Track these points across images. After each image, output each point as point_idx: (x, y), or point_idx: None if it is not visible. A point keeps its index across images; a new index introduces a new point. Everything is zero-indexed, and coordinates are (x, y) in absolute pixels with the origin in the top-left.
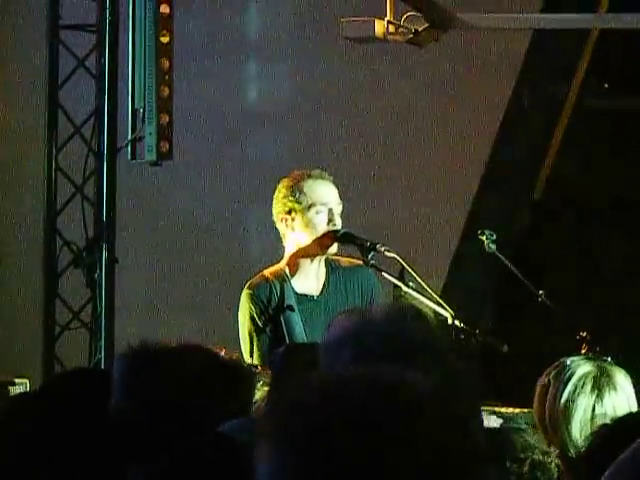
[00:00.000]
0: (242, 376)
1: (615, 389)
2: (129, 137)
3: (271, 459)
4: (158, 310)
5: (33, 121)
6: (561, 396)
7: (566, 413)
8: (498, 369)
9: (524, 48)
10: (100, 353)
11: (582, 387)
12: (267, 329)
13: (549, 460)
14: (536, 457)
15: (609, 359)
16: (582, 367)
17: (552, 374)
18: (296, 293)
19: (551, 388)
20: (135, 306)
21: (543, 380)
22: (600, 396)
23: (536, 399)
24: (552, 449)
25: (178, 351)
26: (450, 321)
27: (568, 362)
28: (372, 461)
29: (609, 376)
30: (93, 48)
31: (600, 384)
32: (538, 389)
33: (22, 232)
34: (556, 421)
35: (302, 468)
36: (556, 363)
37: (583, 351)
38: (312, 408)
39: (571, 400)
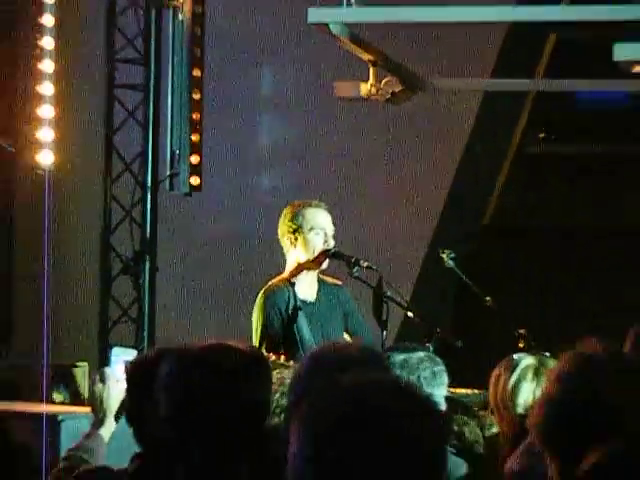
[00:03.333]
0: (267, 365)
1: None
2: (167, 173)
3: (302, 441)
4: (188, 309)
5: (93, 160)
6: (508, 383)
7: (513, 397)
8: (455, 360)
9: (477, 103)
10: (144, 343)
11: (525, 376)
12: (280, 327)
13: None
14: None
15: (547, 354)
16: (525, 360)
17: (502, 366)
18: (301, 299)
19: (501, 377)
20: (171, 306)
21: (496, 372)
22: (539, 383)
23: (490, 387)
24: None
25: (219, 348)
26: (417, 321)
27: (515, 357)
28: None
29: (546, 367)
30: (140, 103)
31: (539, 373)
32: (492, 379)
33: (84, 246)
34: (505, 403)
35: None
36: (506, 358)
37: (521, 344)
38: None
39: (516, 386)
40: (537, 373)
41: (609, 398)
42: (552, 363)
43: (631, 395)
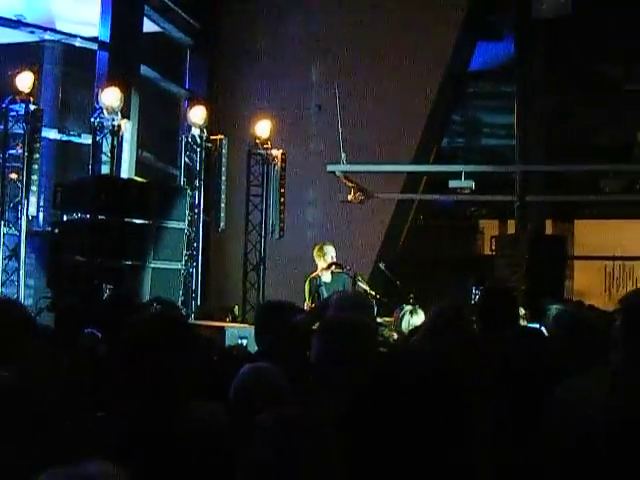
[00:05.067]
0: None
1: (418, 315)
2: (270, 229)
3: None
4: (279, 286)
5: (241, 225)
6: (399, 317)
7: (401, 323)
8: (385, 308)
9: (394, 203)
10: (261, 300)
11: (406, 314)
12: (315, 295)
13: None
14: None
15: (417, 306)
16: (406, 307)
17: (398, 310)
18: (323, 281)
19: (397, 314)
20: (272, 285)
21: (395, 312)
22: (413, 317)
23: (394, 318)
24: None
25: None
26: (371, 292)
27: (402, 306)
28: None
29: (416, 311)
30: (259, 202)
31: (413, 313)
32: (394, 316)
33: (236, 260)
34: (398, 325)
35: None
36: (400, 307)
37: (411, 301)
38: (332, 326)
39: (402, 318)
40: (412, 313)
41: (455, 323)
42: (419, 310)
43: (461, 323)
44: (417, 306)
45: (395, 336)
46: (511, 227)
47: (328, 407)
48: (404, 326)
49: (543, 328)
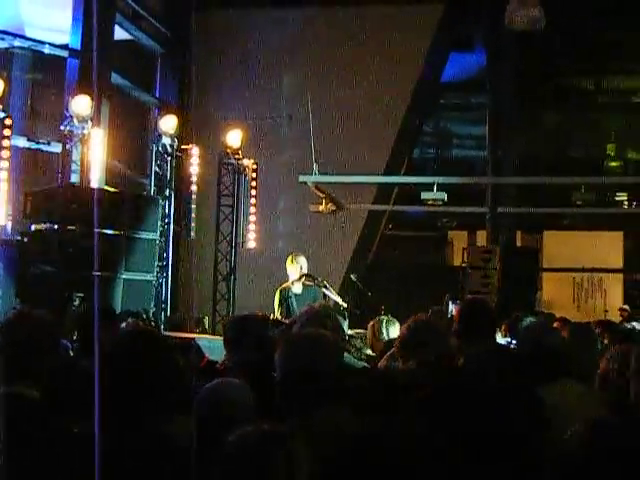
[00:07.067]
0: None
1: (394, 325)
2: (241, 240)
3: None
4: (249, 297)
5: (211, 234)
6: (377, 328)
7: (379, 334)
8: (357, 319)
9: (365, 213)
10: (230, 310)
11: (384, 324)
12: (284, 306)
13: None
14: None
15: (393, 318)
16: (383, 317)
17: (374, 321)
18: (293, 292)
19: (375, 325)
20: (242, 295)
21: (371, 324)
22: (392, 327)
23: (369, 330)
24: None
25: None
26: (342, 304)
27: (379, 318)
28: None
29: (394, 322)
30: (230, 212)
31: (389, 323)
32: (369, 327)
33: (207, 270)
34: (377, 337)
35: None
36: (375, 318)
37: (382, 312)
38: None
39: (381, 330)
40: (388, 323)
41: (426, 332)
42: (395, 321)
43: (432, 331)
44: (390, 315)
45: (369, 351)
46: (480, 238)
47: (294, 423)
48: (384, 336)
49: (514, 342)
